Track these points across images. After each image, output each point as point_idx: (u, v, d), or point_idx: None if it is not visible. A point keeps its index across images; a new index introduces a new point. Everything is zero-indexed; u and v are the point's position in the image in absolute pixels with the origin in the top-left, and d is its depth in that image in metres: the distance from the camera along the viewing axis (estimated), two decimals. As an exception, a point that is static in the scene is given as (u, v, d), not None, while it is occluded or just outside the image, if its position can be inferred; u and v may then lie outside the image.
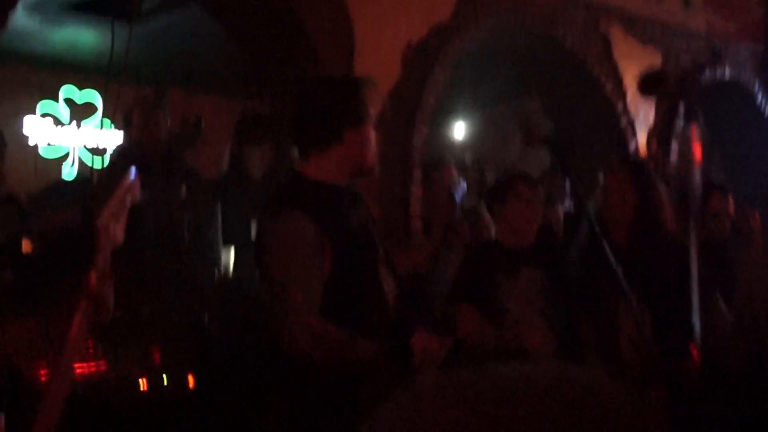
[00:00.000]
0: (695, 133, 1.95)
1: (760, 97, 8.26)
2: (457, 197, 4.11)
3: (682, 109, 1.89)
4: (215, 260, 3.96)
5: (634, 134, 6.77)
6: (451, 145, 9.64)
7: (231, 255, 4.05)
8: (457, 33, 5.91)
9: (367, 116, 2.60)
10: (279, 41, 5.26)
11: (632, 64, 6.86)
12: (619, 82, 6.86)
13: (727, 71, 7.97)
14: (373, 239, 2.59)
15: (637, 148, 6.82)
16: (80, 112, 8.03)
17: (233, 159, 5.14)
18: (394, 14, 5.57)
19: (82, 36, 6.99)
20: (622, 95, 6.83)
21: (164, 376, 3.40)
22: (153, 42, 6.10)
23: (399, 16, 5.60)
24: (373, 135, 2.62)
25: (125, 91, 4.26)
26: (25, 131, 7.65)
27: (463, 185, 4.81)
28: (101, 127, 7.73)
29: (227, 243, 4.02)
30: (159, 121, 4.67)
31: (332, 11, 5.24)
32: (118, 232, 2.00)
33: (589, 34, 6.89)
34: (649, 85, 2.08)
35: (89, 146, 7.92)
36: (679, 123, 1.82)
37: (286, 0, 5.09)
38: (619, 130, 6.77)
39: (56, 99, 7.94)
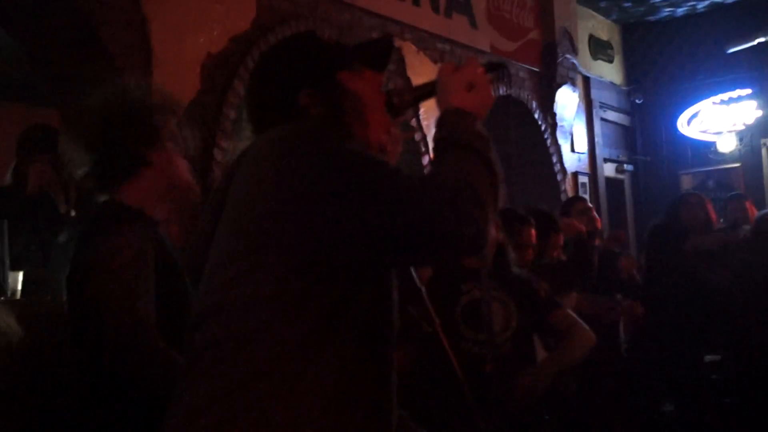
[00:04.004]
0: None
1: (537, 113, 8.89)
2: None
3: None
4: (1, 284, 3.64)
5: (426, 150, 7.02)
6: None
7: (19, 280, 3.72)
8: (257, 43, 5.85)
9: (167, 134, 2.63)
10: (71, 47, 4.94)
11: (425, 80, 7.07)
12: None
13: (511, 89, 8.50)
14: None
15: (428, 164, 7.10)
16: None
17: (16, 172, 4.77)
18: (193, 25, 5.41)
19: None
20: (416, 110, 7.00)
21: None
22: None
23: (198, 26, 5.45)
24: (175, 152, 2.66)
25: None
26: None
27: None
28: None
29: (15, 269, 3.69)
30: None
31: (128, 19, 5.00)
32: None
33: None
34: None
35: None
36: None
37: (78, 5, 4.79)
38: (414, 143, 7.00)
39: None
